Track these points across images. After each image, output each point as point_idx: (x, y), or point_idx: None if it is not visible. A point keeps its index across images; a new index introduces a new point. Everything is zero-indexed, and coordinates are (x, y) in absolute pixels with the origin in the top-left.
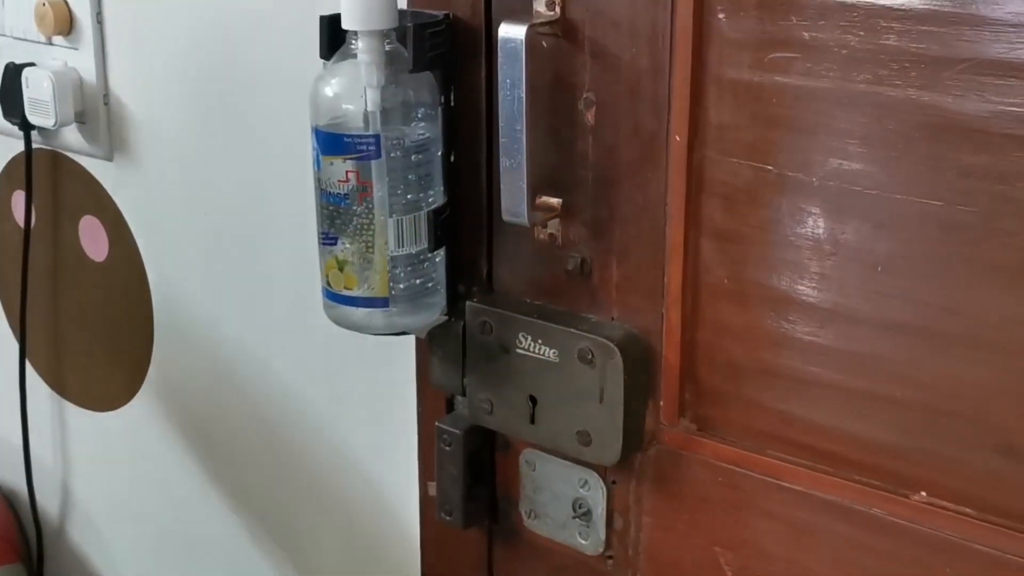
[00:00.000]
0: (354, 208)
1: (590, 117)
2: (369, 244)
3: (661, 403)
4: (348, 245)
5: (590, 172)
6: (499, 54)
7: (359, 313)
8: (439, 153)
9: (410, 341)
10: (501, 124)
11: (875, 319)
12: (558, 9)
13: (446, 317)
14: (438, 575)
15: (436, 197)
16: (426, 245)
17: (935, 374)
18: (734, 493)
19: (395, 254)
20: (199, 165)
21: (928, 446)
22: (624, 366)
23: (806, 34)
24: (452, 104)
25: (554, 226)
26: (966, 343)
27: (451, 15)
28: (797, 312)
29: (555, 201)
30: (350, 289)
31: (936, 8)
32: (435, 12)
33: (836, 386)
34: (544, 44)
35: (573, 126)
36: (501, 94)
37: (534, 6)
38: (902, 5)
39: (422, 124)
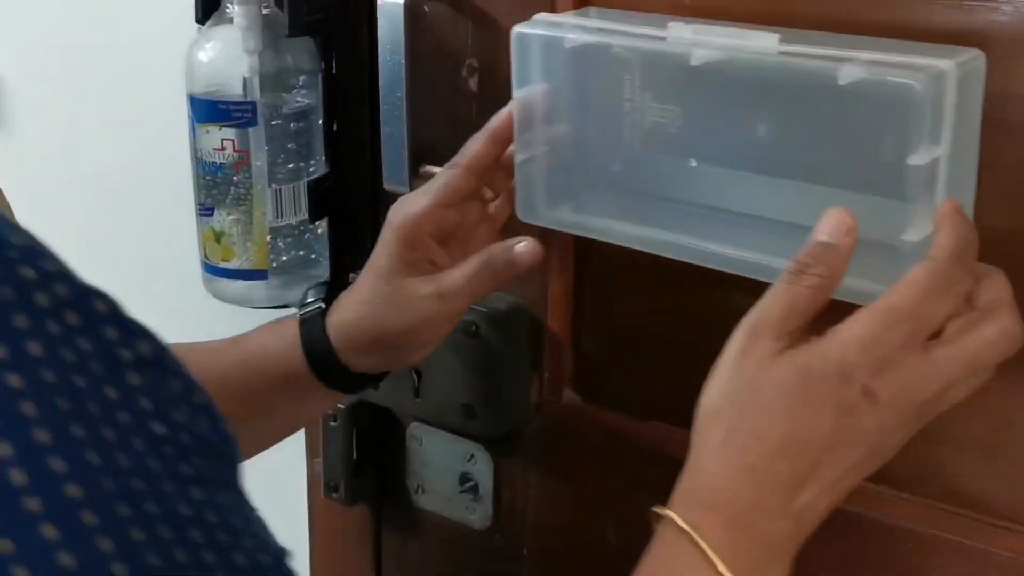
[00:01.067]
0: (232, 177)
1: (473, 84)
2: (247, 214)
3: (546, 374)
4: (226, 216)
5: None
6: (379, 19)
7: (238, 286)
8: (320, 121)
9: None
10: (381, 91)
11: None
12: None
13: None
14: (327, 553)
15: (317, 166)
16: (307, 216)
17: None
18: (620, 464)
19: (274, 225)
20: (79, 137)
21: None
22: (508, 338)
23: None
24: (334, 71)
25: None
26: None
27: None
28: (679, 278)
29: (438, 170)
30: (227, 261)
31: None
32: None
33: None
34: (427, 9)
35: (456, 93)
36: (381, 60)
37: None
38: None
39: (302, 91)
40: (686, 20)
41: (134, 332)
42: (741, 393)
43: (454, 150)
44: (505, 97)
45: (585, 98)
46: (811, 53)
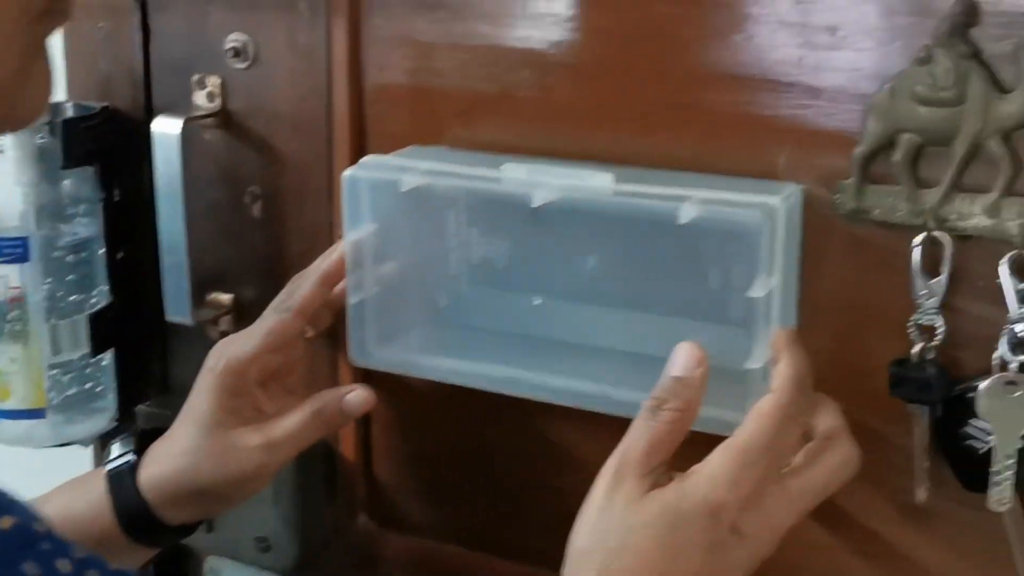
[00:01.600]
0: (7, 314)
1: (256, 211)
2: (24, 351)
3: (340, 502)
4: (1, 354)
5: (260, 267)
6: (155, 149)
7: (17, 426)
8: (102, 251)
9: (87, 453)
10: (160, 221)
11: None
12: (218, 101)
13: (116, 423)
14: None
15: (100, 298)
16: (88, 350)
17: None
18: None
19: (54, 361)
20: None
21: None
22: (298, 465)
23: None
24: (116, 199)
25: (227, 323)
26: None
27: (110, 107)
28: (470, 403)
29: (226, 298)
30: (4, 400)
31: None
32: (92, 104)
33: (508, 479)
34: (207, 137)
35: (241, 220)
36: (159, 190)
37: (194, 98)
38: None
39: (83, 220)
40: (519, 159)
41: None
42: (611, 534)
43: (240, 278)
44: (289, 224)
45: (414, 235)
46: (647, 192)
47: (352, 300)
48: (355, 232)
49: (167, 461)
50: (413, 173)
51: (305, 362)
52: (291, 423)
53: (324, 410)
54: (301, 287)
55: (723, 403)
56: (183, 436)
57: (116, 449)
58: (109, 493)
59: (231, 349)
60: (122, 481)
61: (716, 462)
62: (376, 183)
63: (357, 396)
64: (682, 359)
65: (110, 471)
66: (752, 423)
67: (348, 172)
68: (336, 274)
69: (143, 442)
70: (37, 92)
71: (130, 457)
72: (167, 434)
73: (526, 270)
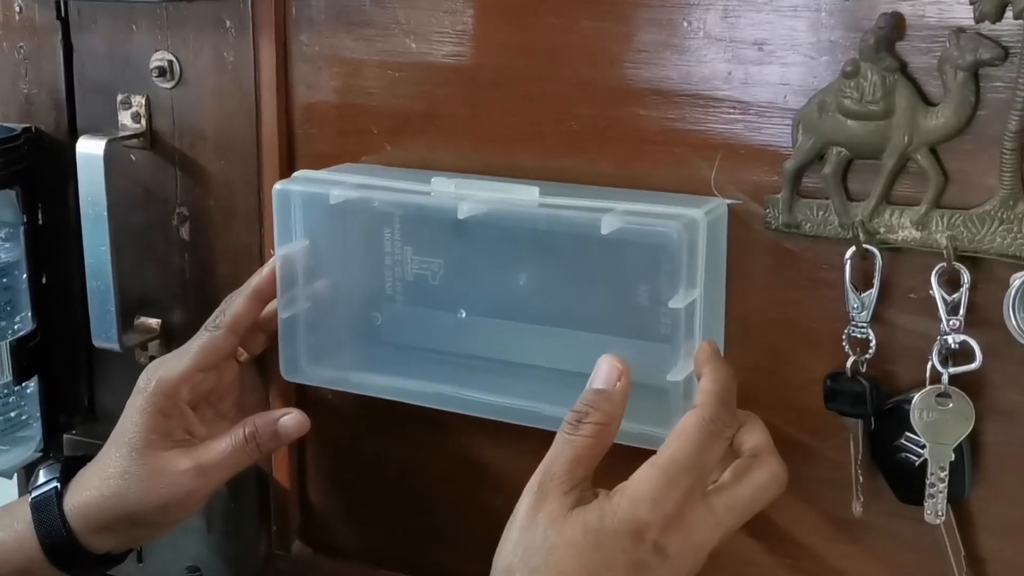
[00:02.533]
0: None
1: (184, 233)
2: None
3: (274, 528)
4: None
5: (188, 290)
6: (78, 170)
7: None
8: (24, 276)
9: (11, 484)
10: (85, 244)
11: None
12: (144, 122)
13: (40, 453)
14: None
15: (23, 324)
16: (10, 378)
17: None
18: None
19: None
20: None
21: None
22: (229, 493)
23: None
24: (39, 222)
25: (155, 348)
26: None
27: (32, 129)
28: (404, 426)
29: (154, 322)
30: None
31: None
32: (13, 126)
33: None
34: (133, 158)
35: (168, 242)
36: (83, 212)
37: (120, 118)
38: None
39: (5, 245)
40: (448, 175)
41: None
42: (534, 552)
43: (168, 301)
44: (217, 246)
45: (347, 252)
46: (571, 204)
47: (283, 315)
48: (286, 247)
49: (94, 486)
50: (343, 186)
51: (238, 386)
52: (222, 446)
53: (258, 433)
54: (233, 303)
55: (647, 418)
56: (111, 460)
57: (43, 475)
58: (33, 522)
59: (162, 368)
60: (46, 509)
61: (639, 481)
62: (306, 196)
63: (292, 420)
64: (603, 372)
65: (34, 499)
66: (675, 441)
67: (278, 185)
68: (269, 290)
69: (69, 468)
70: None
71: (55, 484)
72: (96, 458)
73: (458, 288)
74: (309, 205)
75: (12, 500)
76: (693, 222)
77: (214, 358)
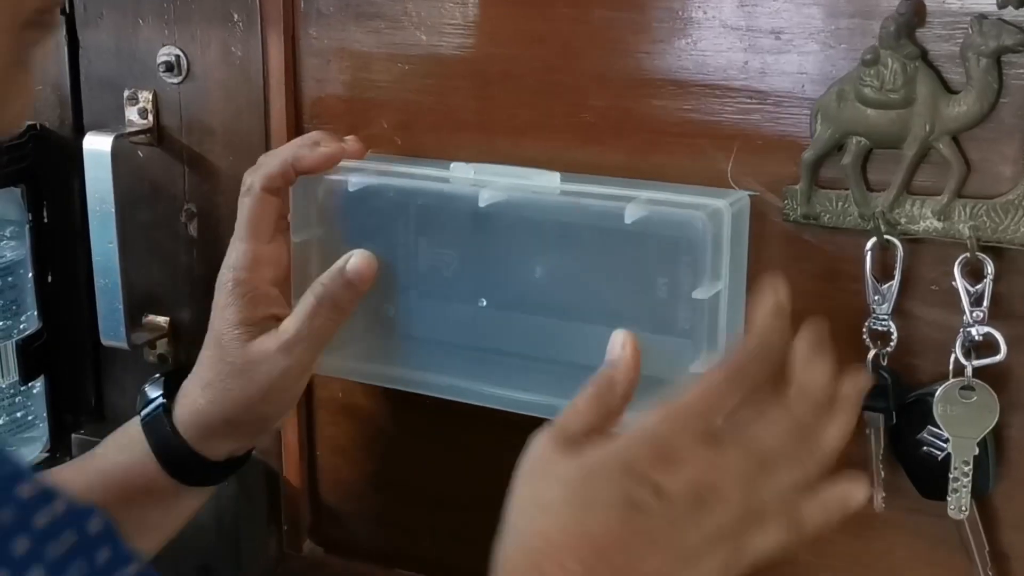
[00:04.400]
0: None
1: (192, 229)
2: None
3: (285, 527)
4: None
5: (197, 287)
6: (86, 166)
7: None
8: (30, 275)
9: None
10: (92, 241)
11: None
12: (151, 117)
13: (48, 453)
14: None
15: (28, 323)
16: (16, 378)
17: None
18: None
19: None
20: None
21: None
22: (240, 492)
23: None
24: (45, 220)
25: (163, 346)
26: None
27: (37, 126)
28: (416, 424)
29: (162, 320)
30: None
31: None
32: None
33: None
34: (140, 154)
35: (176, 239)
36: (90, 209)
37: (127, 114)
38: None
39: (9, 244)
40: (466, 162)
41: (124, 556)
42: (528, 497)
43: (177, 298)
44: (225, 242)
45: (361, 242)
46: (593, 192)
47: (296, 303)
48: (301, 235)
49: (198, 394)
50: (362, 173)
51: None
52: (297, 316)
53: (328, 291)
54: (265, 163)
55: (661, 358)
56: (206, 366)
57: (149, 392)
58: (148, 441)
59: (230, 258)
60: (158, 425)
61: (639, 421)
62: (325, 184)
63: (358, 261)
64: (610, 344)
65: (144, 419)
66: (688, 389)
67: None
68: (307, 163)
69: (174, 381)
70: (17, 102)
71: (161, 401)
72: (195, 367)
73: (474, 279)
74: (327, 193)
75: (126, 423)
76: (718, 212)
77: (266, 224)
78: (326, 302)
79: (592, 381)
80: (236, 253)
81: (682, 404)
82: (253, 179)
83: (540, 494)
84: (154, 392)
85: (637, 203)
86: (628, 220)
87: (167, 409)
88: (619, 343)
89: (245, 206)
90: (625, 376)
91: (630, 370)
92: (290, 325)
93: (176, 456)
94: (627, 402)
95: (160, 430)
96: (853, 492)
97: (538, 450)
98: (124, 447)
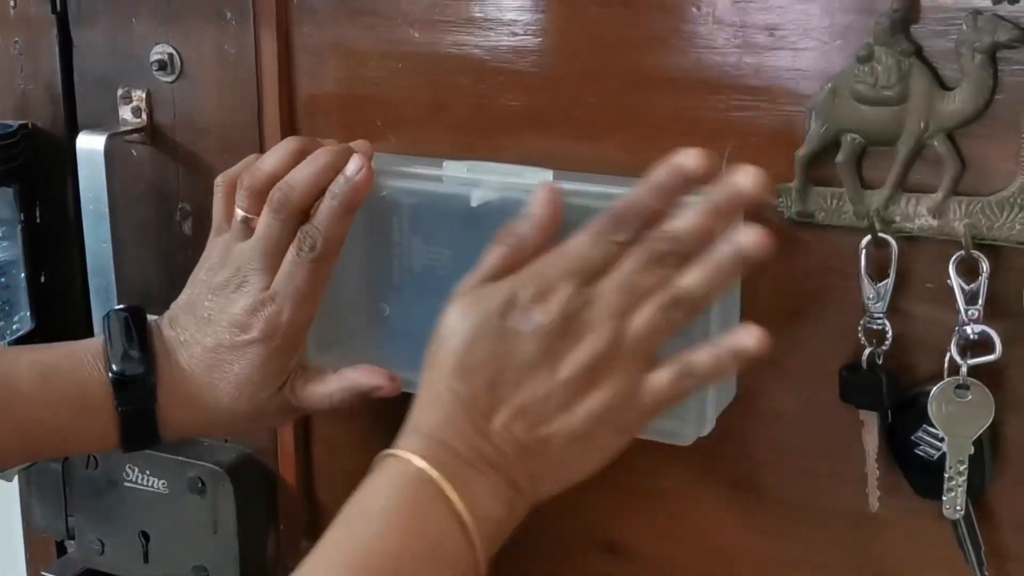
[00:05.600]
0: None
1: (187, 228)
2: None
3: (282, 527)
4: None
5: None
6: (79, 165)
7: None
8: (23, 275)
9: (13, 486)
10: (86, 241)
11: None
12: (145, 116)
13: None
14: None
15: (22, 323)
16: None
17: None
18: None
19: None
20: None
21: None
22: (236, 492)
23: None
24: (38, 220)
25: None
26: None
27: (30, 125)
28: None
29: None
30: None
31: None
32: (9, 122)
33: None
34: (134, 153)
35: (170, 238)
36: (84, 208)
37: (120, 113)
38: None
39: (2, 244)
40: (459, 160)
41: None
42: (435, 332)
43: (172, 298)
44: None
45: (356, 243)
46: (587, 191)
47: None
48: None
49: (188, 415)
50: None
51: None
52: (327, 392)
53: (358, 385)
54: (324, 224)
55: None
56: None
57: (127, 367)
58: (119, 425)
59: (286, 315)
60: (137, 422)
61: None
62: None
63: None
64: (534, 201)
65: (123, 410)
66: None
67: None
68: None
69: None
70: None
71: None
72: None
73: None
74: None
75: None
76: None
77: (324, 288)
78: (352, 392)
79: (505, 235)
80: (296, 312)
81: (566, 248)
82: (317, 244)
83: (440, 328)
84: (133, 369)
85: None
86: None
87: (152, 408)
88: (541, 201)
89: (307, 271)
90: (536, 234)
91: (543, 229)
92: (315, 398)
93: (141, 442)
94: (539, 254)
95: (137, 427)
96: (744, 340)
97: (453, 296)
98: (89, 413)
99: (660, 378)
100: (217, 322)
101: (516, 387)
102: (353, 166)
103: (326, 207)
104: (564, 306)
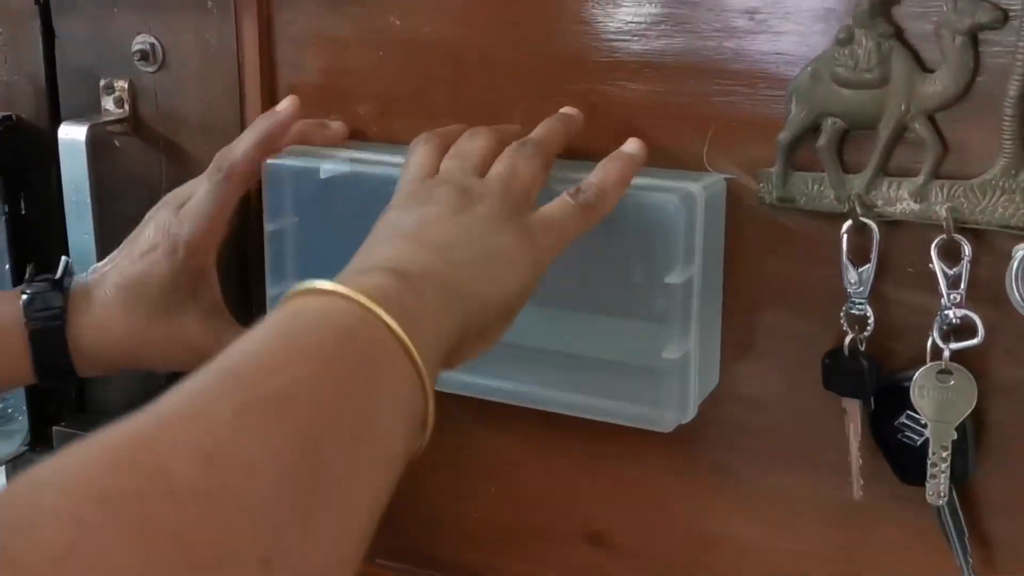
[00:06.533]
0: None
1: None
2: None
3: None
4: None
5: None
6: (61, 157)
7: None
8: (7, 266)
9: None
10: (69, 232)
11: None
12: (127, 106)
13: (27, 447)
14: None
15: None
16: None
17: None
18: None
19: None
20: None
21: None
22: None
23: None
24: (23, 212)
25: None
26: None
27: (13, 117)
28: None
29: None
30: None
31: None
32: None
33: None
34: (117, 143)
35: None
36: (66, 200)
37: (103, 104)
38: None
39: None
40: None
41: None
42: None
43: None
44: None
45: (337, 230)
46: (567, 178)
47: (272, 292)
48: (276, 223)
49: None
50: (333, 160)
51: None
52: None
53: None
54: (235, 150)
55: (645, 399)
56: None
57: (38, 299)
58: (31, 351)
59: (184, 229)
60: (48, 347)
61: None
62: (296, 171)
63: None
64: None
65: (34, 329)
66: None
67: (270, 160)
68: (277, 137)
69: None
70: None
71: (57, 322)
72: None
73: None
74: (299, 179)
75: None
76: (691, 196)
77: (228, 212)
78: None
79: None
80: (194, 226)
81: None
82: (221, 164)
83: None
84: (44, 302)
85: None
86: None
87: (62, 331)
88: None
89: (214, 191)
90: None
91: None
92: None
93: (54, 376)
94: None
95: (50, 353)
96: (628, 147)
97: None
98: None
99: (557, 209)
100: (128, 252)
101: (434, 234)
102: (283, 104)
103: (244, 133)
104: (457, 181)
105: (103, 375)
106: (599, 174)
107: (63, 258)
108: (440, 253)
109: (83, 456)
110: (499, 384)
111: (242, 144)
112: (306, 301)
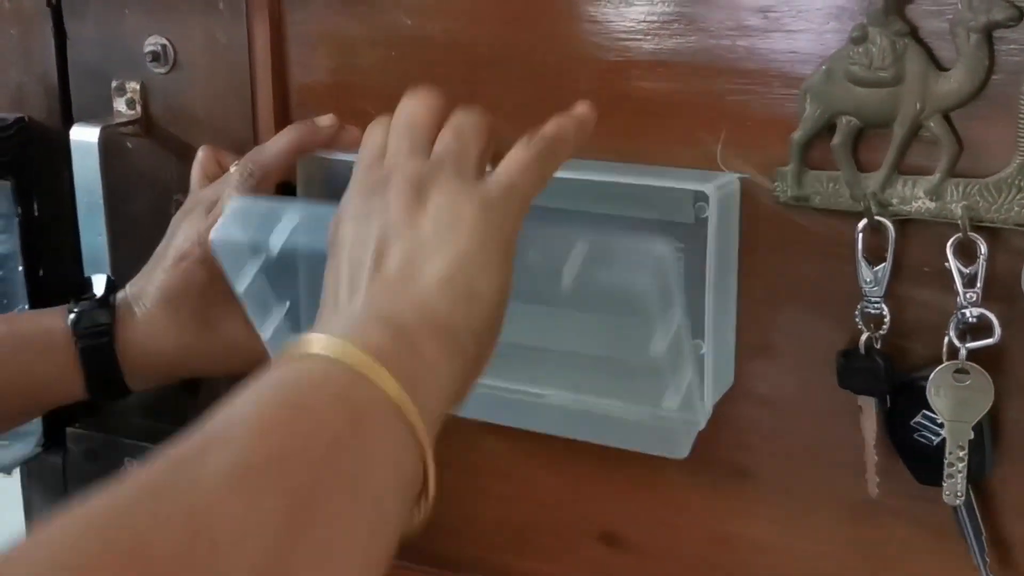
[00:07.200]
0: None
1: None
2: None
3: None
4: None
5: None
6: (73, 158)
7: None
8: (19, 268)
9: (15, 482)
10: (81, 233)
11: None
12: (139, 108)
13: (41, 448)
14: None
15: None
16: None
17: None
18: None
19: None
20: None
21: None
22: None
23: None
24: (36, 213)
25: None
26: None
27: (25, 118)
28: None
29: None
30: None
31: None
32: (5, 115)
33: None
34: (129, 145)
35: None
36: (79, 201)
37: (114, 105)
38: None
39: (1, 237)
40: None
41: None
42: None
43: None
44: None
45: None
46: (578, 179)
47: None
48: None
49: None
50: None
51: None
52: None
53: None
54: (265, 153)
55: (634, 397)
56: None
57: (84, 317)
58: (82, 368)
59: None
60: (98, 359)
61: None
62: (241, 249)
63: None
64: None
65: (84, 346)
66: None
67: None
68: (309, 146)
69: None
70: None
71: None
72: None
73: None
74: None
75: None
76: (664, 253)
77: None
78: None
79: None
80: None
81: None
82: (252, 169)
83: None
84: (91, 319)
85: (579, 248)
86: (567, 279)
87: (111, 344)
88: None
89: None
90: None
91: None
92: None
93: (106, 390)
94: None
95: (100, 366)
96: (577, 108)
97: None
98: (48, 361)
99: (516, 159)
100: (162, 263)
101: (384, 212)
102: (326, 119)
103: (278, 136)
104: (406, 168)
105: (154, 386)
106: (552, 125)
107: (105, 275)
108: (419, 286)
109: (58, 533)
110: (504, 384)
111: (274, 146)
112: (300, 364)
